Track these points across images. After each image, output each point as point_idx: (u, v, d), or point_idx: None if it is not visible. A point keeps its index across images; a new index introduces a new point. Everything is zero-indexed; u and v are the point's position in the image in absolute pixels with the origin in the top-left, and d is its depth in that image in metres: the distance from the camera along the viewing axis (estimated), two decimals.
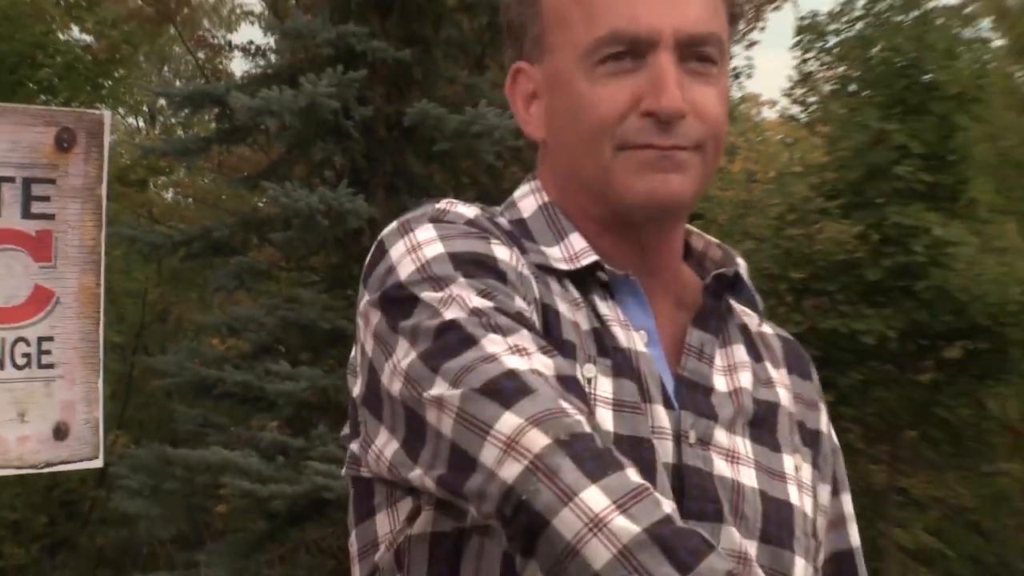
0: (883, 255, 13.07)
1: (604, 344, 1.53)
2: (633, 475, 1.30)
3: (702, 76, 1.57)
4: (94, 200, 4.43)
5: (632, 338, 1.57)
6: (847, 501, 1.74)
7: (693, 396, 1.58)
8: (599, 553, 1.23)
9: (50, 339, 4.35)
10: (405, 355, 1.44)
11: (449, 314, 1.43)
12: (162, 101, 18.44)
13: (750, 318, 1.79)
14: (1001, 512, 16.26)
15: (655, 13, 1.54)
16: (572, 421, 1.33)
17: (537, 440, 1.30)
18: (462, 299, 1.44)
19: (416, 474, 1.43)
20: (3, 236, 4.28)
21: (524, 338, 1.42)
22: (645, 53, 1.55)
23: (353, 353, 1.61)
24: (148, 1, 18.10)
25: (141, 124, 20.85)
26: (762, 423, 1.64)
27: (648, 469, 1.43)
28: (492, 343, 1.40)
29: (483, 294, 1.45)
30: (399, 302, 1.48)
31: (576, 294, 1.57)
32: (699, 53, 1.57)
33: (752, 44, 23.01)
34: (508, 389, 1.35)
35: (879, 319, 12.99)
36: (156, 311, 16.46)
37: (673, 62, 1.54)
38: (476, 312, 1.43)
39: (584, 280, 1.59)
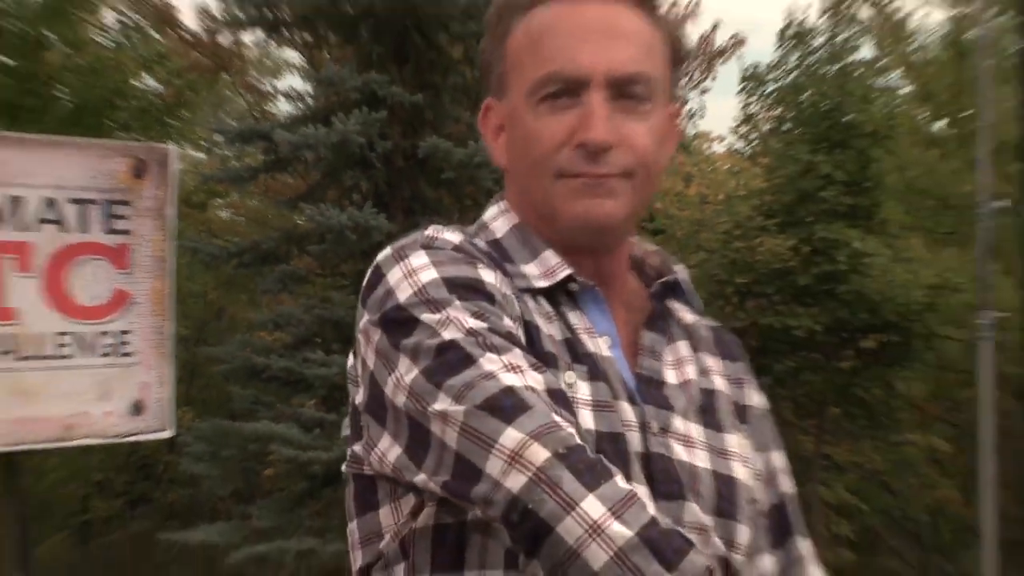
0: (812, 264, 13.03)
1: (577, 352, 1.51)
2: (622, 482, 1.28)
3: (632, 112, 1.53)
4: (162, 218, 4.42)
5: (598, 344, 1.54)
6: (777, 456, 1.72)
7: (651, 391, 1.56)
8: (598, 556, 1.21)
9: (128, 332, 4.34)
10: (408, 371, 1.38)
11: (447, 334, 1.38)
12: (219, 137, 18.42)
13: (687, 315, 1.75)
14: (906, 474, 16.24)
15: (589, 56, 1.51)
16: (566, 434, 1.30)
17: (539, 454, 1.27)
18: (458, 320, 1.39)
19: (420, 478, 1.38)
20: (89, 248, 4.28)
21: (516, 356, 1.38)
22: (579, 91, 1.51)
23: (351, 363, 1.55)
24: (207, 54, 18.05)
25: (202, 156, 20.76)
26: (707, 409, 1.63)
27: (624, 459, 1.42)
28: (489, 361, 1.35)
29: (476, 315, 1.40)
30: (399, 323, 1.42)
31: (549, 308, 1.53)
32: (629, 91, 1.52)
33: (705, 91, 23.00)
34: (507, 406, 1.31)
35: (808, 316, 12.97)
36: (214, 310, 16.42)
37: (604, 99, 1.51)
38: (472, 332, 1.38)
39: (554, 293, 1.55)
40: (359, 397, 1.49)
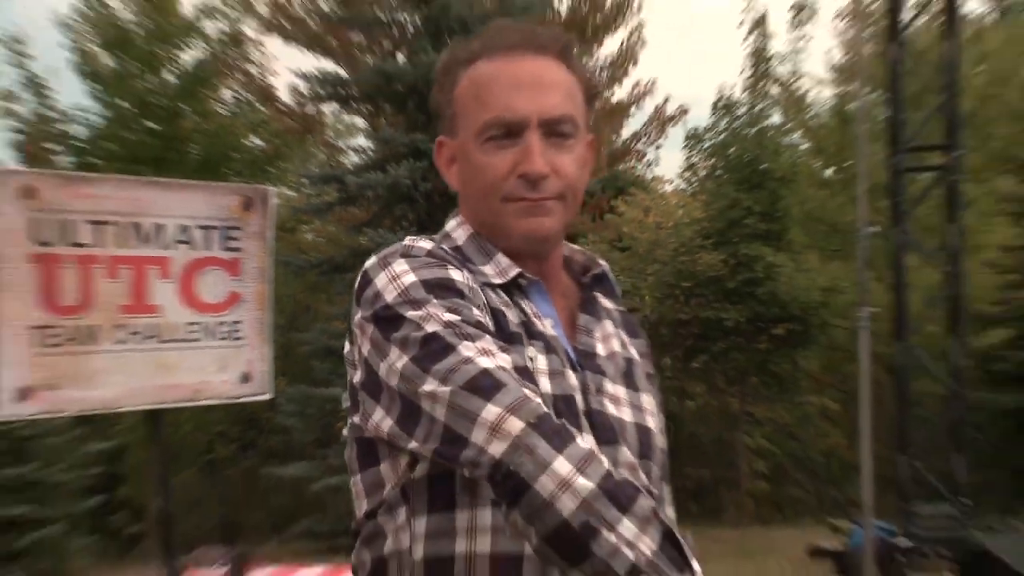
0: (737, 273, 13.00)
1: (532, 331, 1.46)
2: (582, 443, 1.24)
3: (561, 146, 1.48)
4: (264, 240, 4.42)
5: (545, 325, 1.49)
6: (661, 417, 1.65)
7: (587, 361, 1.52)
8: (567, 505, 1.18)
9: (239, 322, 4.34)
10: (398, 358, 1.33)
11: (429, 327, 1.32)
12: (305, 181, 18.45)
13: (606, 302, 1.68)
14: (806, 426, 16.18)
15: (525, 104, 1.46)
16: (535, 405, 1.26)
17: (515, 424, 1.23)
18: (437, 316, 1.33)
19: (413, 445, 1.32)
20: (211, 261, 4.29)
21: (487, 342, 1.33)
22: (518, 132, 1.46)
23: (347, 349, 1.47)
24: (296, 121, 18.10)
25: (293, 194, 20.77)
26: (628, 374, 1.59)
27: (575, 415, 1.40)
28: (466, 348, 1.30)
29: (451, 310, 1.35)
30: (388, 320, 1.36)
31: (506, 298, 1.48)
32: (557, 130, 1.47)
33: (659, 146, 22.96)
34: (486, 385, 1.26)
35: (735, 311, 12.93)
36: (302, 306, 16.39)
37: (538, 138, 1.46)
38: (449, 325, 1.33)
39: (508, 288, 1.49)
40: (356, 377, 1.43)
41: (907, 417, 9.18)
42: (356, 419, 1.43)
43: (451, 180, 1.59)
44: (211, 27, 17.71)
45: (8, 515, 11.17)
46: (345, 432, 1.49)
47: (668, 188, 21.57)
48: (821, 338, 13.95)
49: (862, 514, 6.71)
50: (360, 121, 18.21)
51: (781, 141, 15.80)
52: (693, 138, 18.56)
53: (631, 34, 17.36)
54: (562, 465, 1.21)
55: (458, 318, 1.35)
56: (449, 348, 1.31)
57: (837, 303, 13.65)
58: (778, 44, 22.60)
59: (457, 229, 1.58)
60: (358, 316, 1.42)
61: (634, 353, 1.66)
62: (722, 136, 16.25)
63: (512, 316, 1.47)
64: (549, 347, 1.47)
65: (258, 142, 18.47)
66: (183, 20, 17.36)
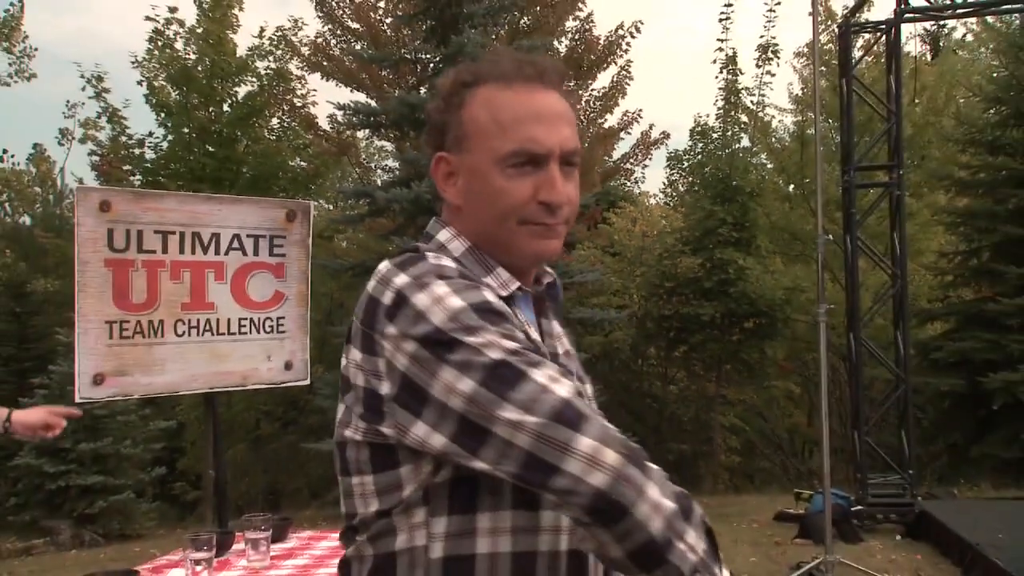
0: (712, 274, 12.96)
1: (530, 340, 1.36)
2: (652, 464, 1.22)
3: (570, 176, 1.41)
4: (305, 247, 4.40)
5: (532, 332, 1.42)
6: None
7: (558, 363, 1.43)
8: (656, 525, 1.16)
9: (283, 318, 4.32)
10: (457, 380, 1.21)
11: (493, 354, 1.21)
12: (340, 195, 18.50)
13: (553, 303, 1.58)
14: (771, 406, 16.17)
15: (548, 137, 1.37)
16: (617, 433, 1.21)
17: (611, 456, 1.17)
18: (497, 342, 1.23)
19: (480, 465, 1.21)
20: (260, 265, 4.27)
21: (550, 367, 1.24)
22: (540, 162, 1.37)
23: (355, 361, 1.33)
24: (334, 144, 18.08)
25: (330, 207, 20.81)
26: (580, 371, 1.55)
27: None
28: (538, 375, 1.21)
29: (507, 336, 1.25)
30: (441, 343, 1.22)
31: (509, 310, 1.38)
32: (569, 160, 1.41)
33: (645, 166, 22.96)
34: (572, 416, 1.18)
35: (711, 307, 12.89)
36: (336, 303, 16.38)
37: (557, 168, 1.39)
38: (514, 352, 1.22)
39: (507, 300, 1.38)
40: (384, 389, 1.28)
41: (860, 399, 9.14)
42: (387, 429, 1.29)
43: (449, 194, 1.46)
44: (261, 65, 17.74)
45: (85, 483, 11.21)
46: (348, 435, 1.35)
47: (653, 202, 21.64)
48: (785, 331, 13.90)
49: (822, 483, 6.68)
50: (388, 145, 18.24)
51: (749, 161, 15.74)
52: (674, 159, 18.62)
53: (621, 70, 17.29)
54: (653, 490, 1.19)
55: (518, 345, 1.25)
56: (521, 375, 1.21)
57: (798, 300, 13.62)
58: (746, 79, 22.49)
59: (453, 241, 1.45)
60: (390, 331, 1.27)
61: (570, 345, 1.59)
62: (698, 157, 16.21)
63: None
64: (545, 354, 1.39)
65: (301, 163, 18.48)
66: (238, 59, 17.40)
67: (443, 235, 1.46)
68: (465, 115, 1.42)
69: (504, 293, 1.40)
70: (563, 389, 1.21)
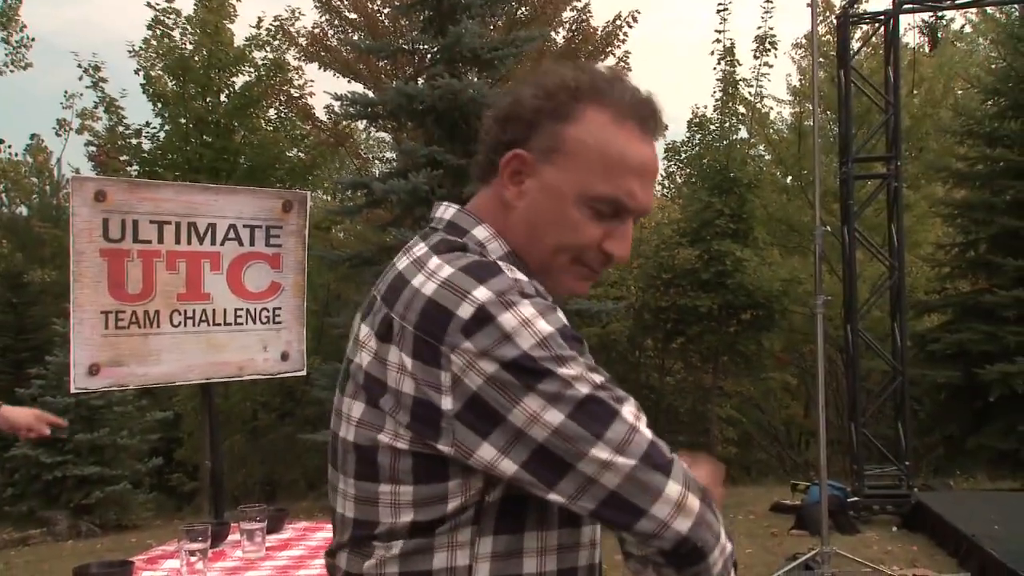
0: (710, 266, 12.94)
1: None
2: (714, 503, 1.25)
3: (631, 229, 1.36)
4: (301, 237, 4.39)
5: None
6: None
7: None
8: (719, 562, 1.21)
9: (279, 308, 4.31)
10: (544, 410, 1.14)
11: (584, 389, 1.16)
12: (338, 186, 18.47)
13: None
14: (768, 398, 16.18)
15: (642, 194, 1.31)
16: (692, 475, 1.22)
17: (694, 502, 1.18)
18: (588, 376, 1.17)
19: (555, 497, 1.17)
20: (255, 256, 4.26)
21: (633, 404, 1.20)
22: (622, 214, 1.32)
23: (408, 363, 1.20)
24: (331, 135, 18.08)
25: (327, 198, 20.78)
26: None
27: None
28: (627, 413, 1.18)
29: (593, 369, 1.19)
30: (529, 370, 1.15)
31: None
32: (638, 219, 1.36)
33: None
34: (660, 460, 1.17)
35: (708, 299, 12.87)
36: (334, 294, 16.37)
37: (631, 223, 1.34)
38: (603, 387, 1.18)
39: None
40: (445, 404, 1.18)
41: (856, 391, 9.15)
42: (445, 448, 1.20)
43: (511, 192, 1.34)
44: (259, 55, 17.69)
45: (82, 474, 11.20)
46: (384, 440, 1.24)
47: None
48: (782, 323, 13.90)
49: (818, 475, 6.68)
50: (385, 135, 18.20)
51: (747, 153, 15.74)
52: (672, 150, 18.52)
53: (618, 61, 17.26)
54: (723, 534, 1.22)
55: (603, 379, 1.20)
56: (613, 414, 1.17)
57: (796, 292, 13.62)
58: (744, 70, 22.49)
59: (492, 242, 1.34)
60: (466, 347, 1.16)
61: None
62: (696, 149, 16.22)
63: None
64: None
65: (299, 154, 18.46)
66: (235, 49, 17.35)
67: (480, 232, 1.35)
68: (570, 131, 1.31)
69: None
70: (646, 428, 1.20)
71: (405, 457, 1.23)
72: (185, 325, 4.06)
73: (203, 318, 4.11)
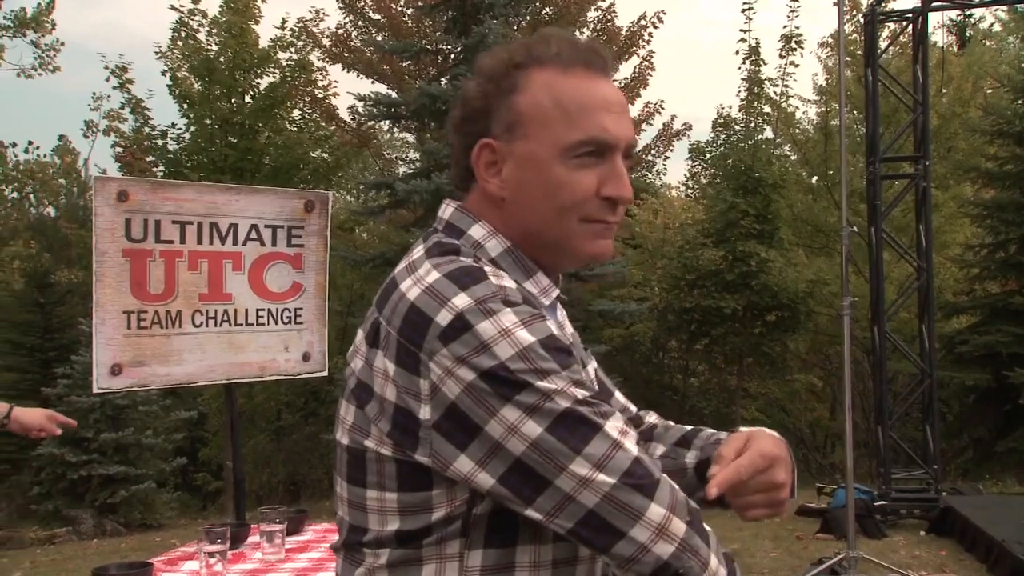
0: (734, 267, 12.88)
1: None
2: (706, 525, 1.18)
3: (628, 169, 1.30)
4: (323, 237, 4.38)
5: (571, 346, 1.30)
6: None
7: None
8: None
9: (300, 309, 4.30)
10: (521, 422, 1.10)
11: (564, 402, 1.11)
12: (361, 187, 18.53)
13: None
14: (794, 400, 16.10)
15: (616, 127, 1.26)
16: (683, 497, 1.16)
17: (679, 527, 1.12)
18: (569, 390, 1.12)
19: (532, 514, 1.13)
20: (277, 256, 4.25)
21: (619, 419, 1.15)
22: (605, 154, 1.26)
23: (391, 370, 1.17)
24: (355, 136, 18.13)
25: (351, 199, 20.83)
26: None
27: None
28: (611, 429, 1.12)
29: (577, 383, 1.14)
30: (507, 381, 1.11)
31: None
32: (629, 154, 1.30)
33: (667, 157, 22.85)
34: (644, 479, 1.12)
35: (732, 300, 12.82)
36: (357, 294, 16.40)
37: (621, 161, 1.28)
38: (585, 402, 1.13)
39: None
40: (423, 413, 1.14)
41: (883, 393, 9.05)
42: (422, 458, 1.16)
43: (492, 185, 1.30)
44: (283, 56, 17.77)
45: (107, 473, 11.29)
46: (369, 445, 1.22)
47: (674, 193, 21.55)
48: (807, 324, 13.82)
49: (844, 478, 6.61)
50: (409, 136, 18.25)
51: (772, 153, 15.64)
52: (696, 151, 18.49)
53: (643, 61, 17.23)
54: (713, 561, 1.15)
55: (588, 393, 1.15)
56: (594, 428, 1.12)
57: (821, 293, 13.54)
58: (770, 69, 22.35)
59: (490, 240, 1.30)
60: (443, 354, 1.13)
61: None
62: (721, 149, 16.15)
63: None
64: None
65: (323, 155, 18.53)
66: (260, 50, 17.43)
67: (477, 231, 1.31)
68: (521, 100, 1.28)
69: (546, 302, 1.31)
70: (633, 445, 1.14)
71: (389, 463, 1.20)
72: (207, 325, 4.05)
73: (225, 318, 4.10)
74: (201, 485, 15.51)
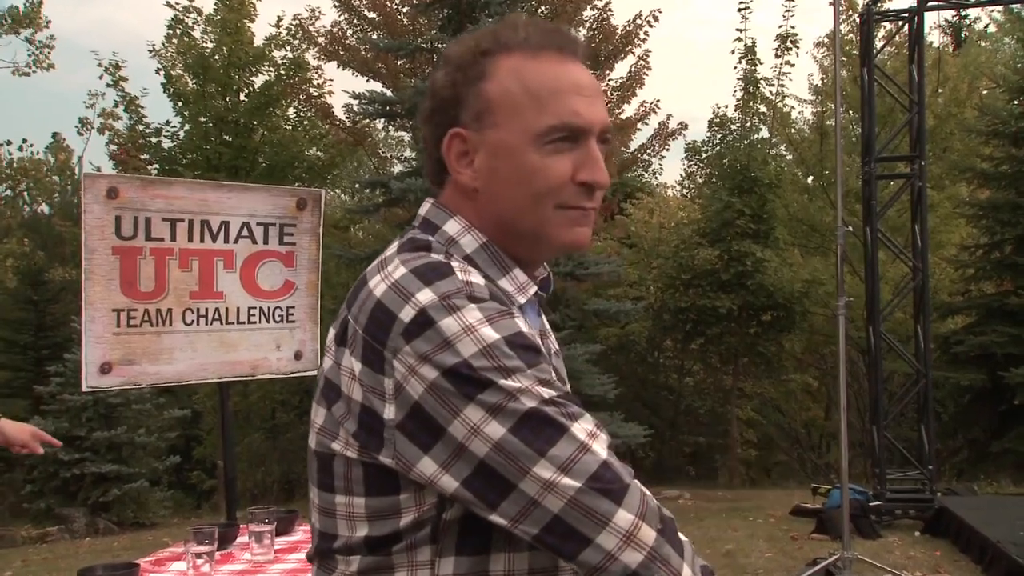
0: (730, 266, 12.88)
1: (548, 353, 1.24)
2: (682, 535, 1.13)
3: (603, 155, 1.25)
4: (315, 235, 4.34)
5: (547, 345, 1.30)
6: None
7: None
8: None
9: (292, 307, 4.26)
10: (485, 423, 1.06)
11: (529, 402, 1.07)
12: (356, 185, 18.50)
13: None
14: (789, 400, 16.08)
15: (589, 111, 1.22)
16: (655, 505, 1.10)
17: (648, 534, 1.06)
18: (534, 389, 1.08)
19: (497, 519, 1.08)
20: (270, 254, 4.21)
21: (588, 421, 1.10)
22: (579, 139, 1.22)
23: (357, 368, 1.14)
24: (350, 134, 18.09)
25: (346, 197, 20.81)
26: (562, 368, 1.35)
27: None
28: (578, 431, 1.07)
29: (544, 382, 1.10)
30: (470, 379, 1.07)
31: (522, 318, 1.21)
32: (604, 139, 1.25)
33: (663, 157, 22.86)
34: (612, 483, 1.07)
35: (728, 300, 12.81)
36: None
37: (596, 145, 1.24)
38: (552, 402, 1.08)
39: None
40: (387, 413, 1.11)
41: (879, 393, 9.03)
42: (386, 459, 1.13)
43: (464, 176, 1.26)
44: (278, 54, 17.74)
45: (100, 471, 11.26)
46: (336, 448, 1.18)
47: (670, 193, 21.54)
48: (803, 324, 13.83)
49: (839, 478, 6.59)
50: (404, 135, 18.21)
51: (768, 152, 15.64)
52: (692, 150, 18.51)
53: (638, 60, 17.20)
54: (687, 572, 1.10)
55: (556, 393, 1.10)
56: (560, 430, 1.07)
57: (817, 293, 13.54)
58: (765, 69, 22.35)
59: (464, 235, 1.26)
60: (406, 351, 1.10)
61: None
62: (717, 148, 16.17)
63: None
64: (560, 376, 1.27)
65: (318, 153, 18.50)
66: (255, 48, 17.41)
67: (452, 227, 1.27)
68: (489, 87, 1.24)
69: (522, 299, 1.26)
70: (602, 448, 1.09)
71: (356, 467, 1.17)
72: (198, 324, 4.01)
73: (216, 317, 4.06)
74: (195, 483, 15.47)
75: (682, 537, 1.13)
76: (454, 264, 1.17)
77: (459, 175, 1.27)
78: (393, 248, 1.26)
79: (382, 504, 1.15)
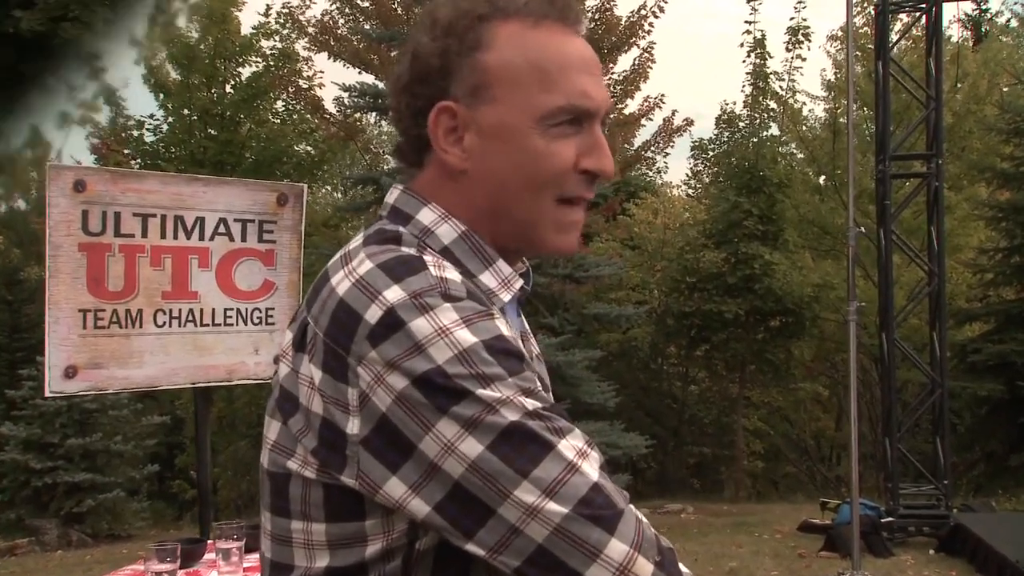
0: (737, 270, 12.86)
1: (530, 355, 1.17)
2: (684, 568, 1.06)
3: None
4: (297, 233, 4.29)
5: (529, 347, 1.22)
6: None
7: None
8: None
9: (272, 309, 4.20)
10: (460, 440, 0.97)
11: (510, 415, 0.98)
12: (347, 182, 18.47)
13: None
14: (798, 409, 16.07)
15: (597, 91, 1.14)
16: (651, 534, 1.01)
17: (645, 568, 0.98)
18: (517, 400, 0.99)
19: (472, 548, 0.99)
20: (248, 252, 4.15)
21: (577, 437, 1.01)
22: (585, 121, 1.14)
23: (316, 377, 1.04)
24: (340, 128, 18.06)
25: (337, 194, 20.77)
26: (543, 373, 1.26)
27: None
28: (565, 448, 0.99)
29: (527, 392, 1.01)
30: (443, 389, 0.98)
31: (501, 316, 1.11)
32: (604, 122, 1.18)
33: (667, 154, 22.85)
34: (603, 510, 0.98)
35: (734, 304, 12.79)
36: None
37: (600, 130, 1.16)
38: (536, 415, 0.99)
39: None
40: (351, 428, 1.01)
41: (892, 403, 8.97)
42: (348, 480, 1.04)
43: (451, 155, 1.16)
44: (266, 45, 17.71)
45: (73, 480, 11.19)
46: (293, 467, 1.08)
47: (675, 193, 21.51)
48: (813, 330, 13.80)
49: (850, 492, 6.53)
50: None
51: (778, 151, 15.61)
52: (698, 148, 18.47)
53: (642, 53, 17.15)
54: None
55: (541, 405, 1.01)
56: (546, 447, 0.98)
57: (828, 298, 13.52)
58: (775, 64, 22.28)
59: (441, 224, 1.16)
60: (372, 357, 1.00)
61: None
62: (724, 146, 16.14)
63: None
64: (543, 383, 1.18)
65: (307, 148, 18.47)
66: (242, 38, 17.37)
67: (426, 216, 1.16)
68: (488, 57, 1.14)
69: (506, 297, 1.17)
70: (593, 469, 1.00)
71: (316, 488, 1.07)
72: (170, 325, 3.94)
73: (190, 318, 4.00)
74: (177, 493, 15.39)
75: (683, 569, 1.06)
76: (427, 258, 1.08)
77: (446, 154, 1.17)
78: (358, 240, 1.16)
79: (345, 531, 1.06)
